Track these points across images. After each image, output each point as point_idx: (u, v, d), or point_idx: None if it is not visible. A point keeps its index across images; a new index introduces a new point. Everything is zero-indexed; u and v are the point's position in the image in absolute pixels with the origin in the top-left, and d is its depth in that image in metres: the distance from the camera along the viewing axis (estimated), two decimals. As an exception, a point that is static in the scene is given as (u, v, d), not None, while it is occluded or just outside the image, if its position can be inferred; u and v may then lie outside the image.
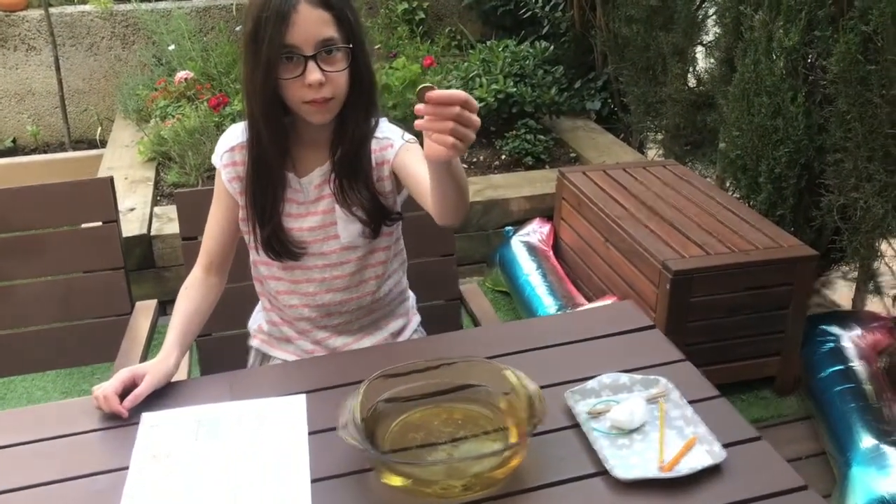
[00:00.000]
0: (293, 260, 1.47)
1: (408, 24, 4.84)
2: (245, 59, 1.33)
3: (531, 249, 3.07)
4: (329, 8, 1.29)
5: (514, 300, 3.05)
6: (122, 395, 1.26)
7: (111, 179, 1.84)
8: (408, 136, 1.44)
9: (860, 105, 2.38)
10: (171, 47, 4.31)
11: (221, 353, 1.79)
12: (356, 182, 1.43)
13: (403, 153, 1.42)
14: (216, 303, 1.53)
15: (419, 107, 1.05)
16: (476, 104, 1.06)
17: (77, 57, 4.61)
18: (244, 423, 1.21)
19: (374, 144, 1.45)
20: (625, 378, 1.26)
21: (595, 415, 1.20)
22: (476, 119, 1.06)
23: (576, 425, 1.19)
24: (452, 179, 1.19)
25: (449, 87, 3.63)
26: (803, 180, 2.66)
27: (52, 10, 4.40)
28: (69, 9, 4.55)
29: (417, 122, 1.07)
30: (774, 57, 2.60)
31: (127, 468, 1.14)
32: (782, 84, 2.58)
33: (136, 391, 1.25)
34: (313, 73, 1.28)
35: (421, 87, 1.05)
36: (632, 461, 1.12)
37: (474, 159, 3.89)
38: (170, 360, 1.33)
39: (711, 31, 3.37)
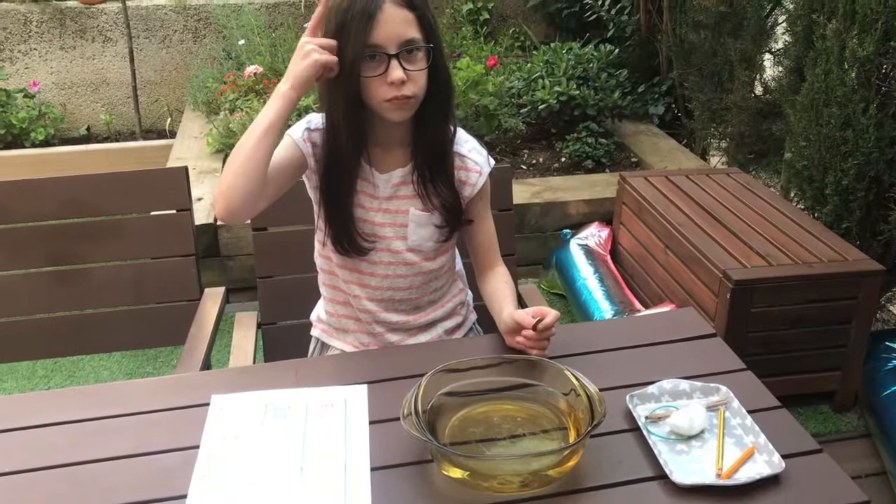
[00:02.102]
0: (360, 255, 1.50)
1: (472, 24, 4.87)
2: None
3: (589, 253, 3.06)
4: (412, 8, 1.32)
5: (570, 303, 3.05)
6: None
7: (186, 169, 1.90)
8: (492, 160, 1.55)
9: (936, 118, 2.33)
10: (241, 42, 4.41)
11: (284, 341, 1.84)
12: (439, 183, 1.47)
13: (484, 194, 1.54)
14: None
15: (524, 336, 1.33)
16: (558, 314, 1.33)
17: (150, 49, 4.75)
18: (308, 410, 1.25)
19: (459, 162, 1.49)
20: (685, 385, 1.27)
21: (654, 419, 1.21)
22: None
23: (635, 429, 1.20)
24: None
25: (511, 88, 3.63)
26: (872, 193, 2.60)
27: (128, 3, 4.55)
28: (145, 2, 4.69)
29: (514, 342, 1.37)
30: (846, 67, 2.55)
31: (197, 447, 1.18)
32: (854, 95, 2.53)
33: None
34: (396, 71, 1.31)
35: (536, 321, 1.31)
36: (690, 467, 1.12)
37: (534, 161, 3.90)
38: None
39: (781, 39, 3.31)
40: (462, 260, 1.69)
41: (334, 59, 1.31)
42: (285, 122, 1.33)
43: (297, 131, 1.45)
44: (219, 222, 3.14)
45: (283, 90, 1.31)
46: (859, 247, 2.56)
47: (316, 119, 1.47)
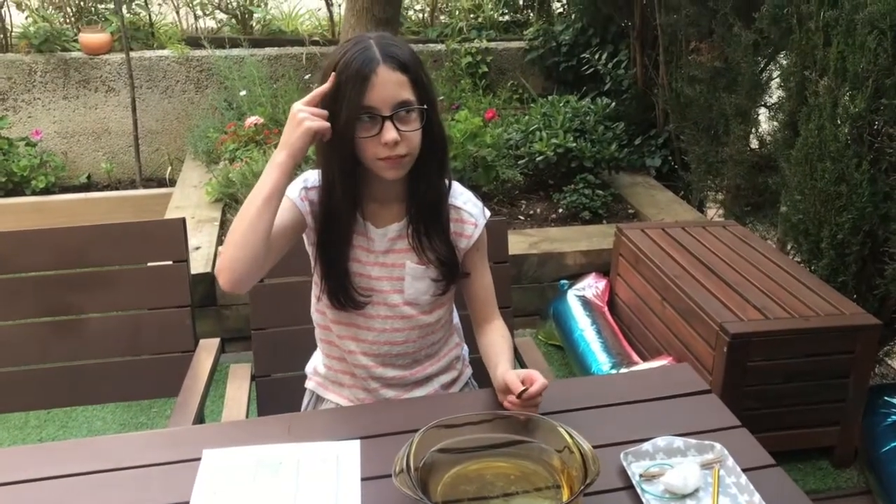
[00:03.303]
0: (356, 309, 1.50)
1: (471, 77, 4.93)
2: None
3: (586, 304, 3.06)
4: (406, 71, 1.34)
5: (567, 355, 3.04)
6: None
7: (184, 221, 1.91)
8: (487, 212, 1.56)
9: (928, 174, 2.35)
10: (243, 93, 4.46)
11: (278, 394, 1.83)
12: (434, 237, 1.48)
13: (480, 245, 1.55)
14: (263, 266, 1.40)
15: (510, 401, 1.32)
16: (546, 382, 1.31)
17: (152, 99, 4.81)
18: (300, 465, 1.24)
19: (454, 214, 1.51)
20: (679, 442, 1.26)
21: (648, 478, 1.20)
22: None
23: (628, 487, 1.19)
24: None
25: (509, 139, 3.66)
26: (867, 248, 2.62)
27: (132, 54, 4.62)
28: (148, 53, 4.77)
29: (504, 402, 1.35)
30: (839, 123, 2.59)
31: (187, 503, 1.17)
32: (847, 150, 2.56)
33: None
34: (390, 133, 1.33)
35: (521, 391, 1.30)
36: (685, 527, 1.11)
37: (531, 211, 3.92)
38: None
39: (775, 94, 3.36)
40: (459, 313, 1.69)
41: (326, 125, 1.33)
42: (284, 191, 1.35)
43: (294, 191, 1.46)
44: (216, 271, 3.15)
45: (278, 160, 1.33)
46: (856, 300, 2.56)
47: (312, 177, 1.48)
